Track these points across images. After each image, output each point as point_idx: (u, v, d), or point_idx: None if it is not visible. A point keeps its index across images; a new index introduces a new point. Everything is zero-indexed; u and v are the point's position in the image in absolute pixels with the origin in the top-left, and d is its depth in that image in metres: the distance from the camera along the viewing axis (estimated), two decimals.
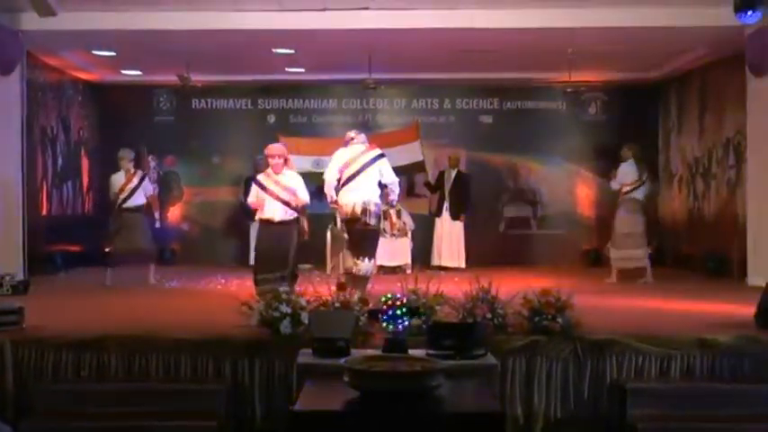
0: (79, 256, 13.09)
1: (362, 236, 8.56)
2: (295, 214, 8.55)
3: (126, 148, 11.42)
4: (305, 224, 8.76)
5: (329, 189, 8.61)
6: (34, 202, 11.77)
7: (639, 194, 11.16)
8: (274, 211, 8.50)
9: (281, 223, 8.48)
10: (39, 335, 6.64)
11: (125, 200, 10.93)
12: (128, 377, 6.45)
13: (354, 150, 8.67)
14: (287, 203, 8.49)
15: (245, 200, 13.04)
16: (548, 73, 13.61)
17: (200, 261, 13.83)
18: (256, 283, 8.42)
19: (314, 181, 10.05)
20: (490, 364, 5.77)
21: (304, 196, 8.56)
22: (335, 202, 8.66)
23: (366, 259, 8.53)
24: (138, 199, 11.04)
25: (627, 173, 11.14)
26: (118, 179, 11.09)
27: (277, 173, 8.56)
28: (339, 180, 8.57)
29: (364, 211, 8.43)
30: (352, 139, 8.78)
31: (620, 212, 11.19)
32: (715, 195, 12.48)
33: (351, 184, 8.50)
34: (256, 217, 8.81)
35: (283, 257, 8.41)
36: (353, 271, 8.56)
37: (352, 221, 8.54)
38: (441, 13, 10.36)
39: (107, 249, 10.92)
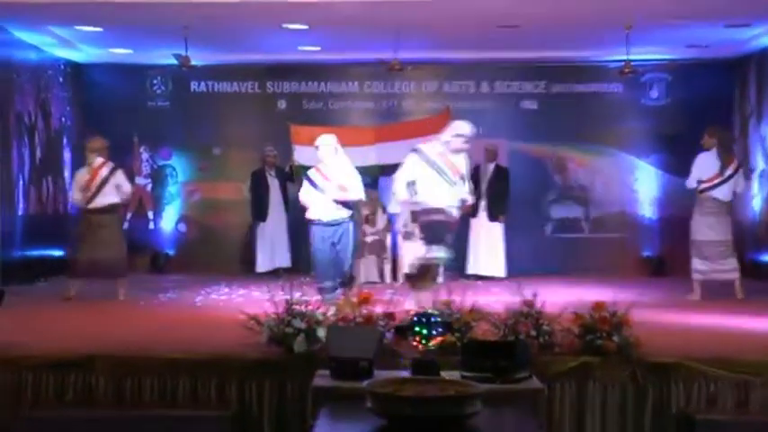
0: (61, 263, 13.22)
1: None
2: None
3: (97, 136, 11.02)
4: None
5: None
6: (9, 200, 11.89)
7: (721, 193, 10.31)
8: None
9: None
10: (14, 354, 6.69)
11: (91, 199, 10.49)
12: (118, 402, 6.50)
13: None
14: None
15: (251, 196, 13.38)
16: (602, 51, 13.60)
17: (199, 268, 13.95)
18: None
19: None
20: (535, 389, 5.79)
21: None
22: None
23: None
24: (109, 197, 10.55)
25: (703, 166, 10.35)
26: (81, 176, 10.70)
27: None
28: None
29: None
30: None
31: (696, 215, 10.48)
32: None
33: None
34: None
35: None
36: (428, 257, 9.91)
37: None
38: None
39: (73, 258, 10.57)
